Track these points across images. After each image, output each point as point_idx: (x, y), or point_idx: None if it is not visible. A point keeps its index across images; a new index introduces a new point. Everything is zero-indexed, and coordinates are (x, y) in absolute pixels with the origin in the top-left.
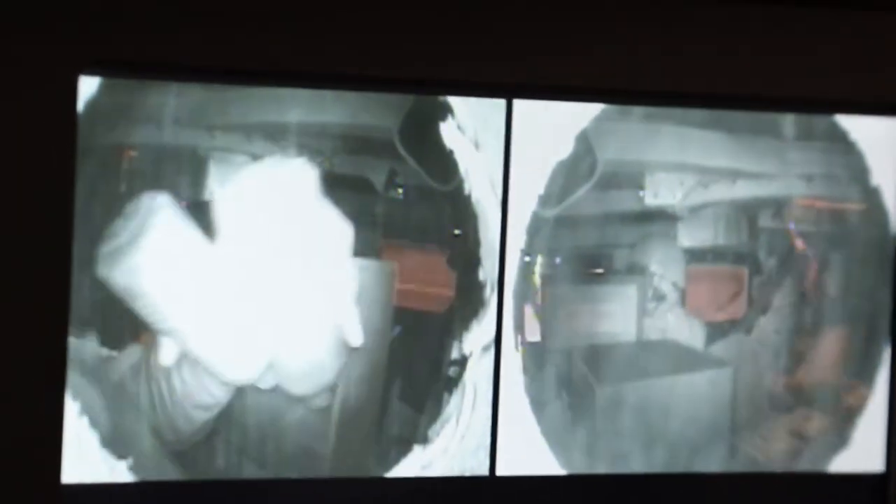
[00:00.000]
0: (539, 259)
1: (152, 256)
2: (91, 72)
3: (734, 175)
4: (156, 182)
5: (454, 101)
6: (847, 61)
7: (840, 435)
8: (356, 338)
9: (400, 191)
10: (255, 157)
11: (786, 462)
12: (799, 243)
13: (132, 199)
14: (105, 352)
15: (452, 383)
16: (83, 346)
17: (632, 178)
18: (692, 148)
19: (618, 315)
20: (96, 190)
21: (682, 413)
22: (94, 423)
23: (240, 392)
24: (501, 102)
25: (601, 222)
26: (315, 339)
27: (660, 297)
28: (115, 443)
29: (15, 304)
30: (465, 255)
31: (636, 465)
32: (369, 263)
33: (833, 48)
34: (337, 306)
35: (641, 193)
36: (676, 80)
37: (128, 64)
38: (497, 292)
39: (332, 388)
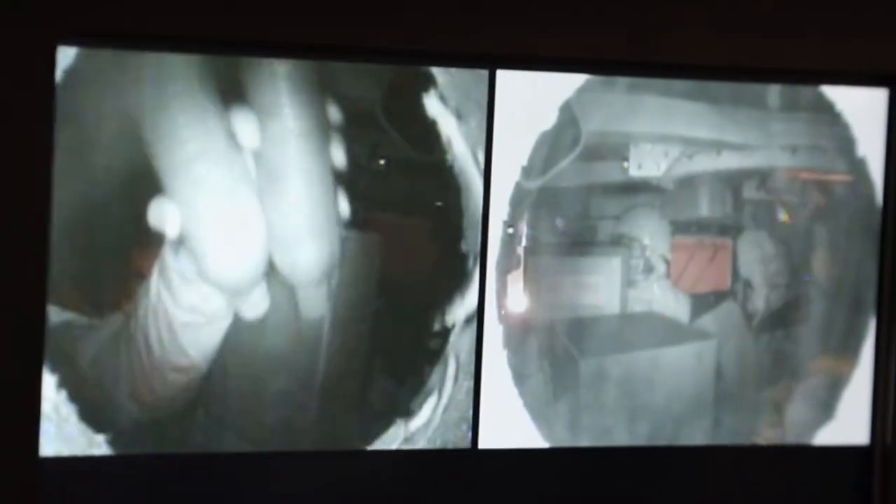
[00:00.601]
0: (522, 230)
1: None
2: (68, 42)
3: (719, 146)
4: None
5: (437, 72)
6: (832, 32)
7: (825, 407)
8: None
9: (382, 162)
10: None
11: (771, 435)
12: (784, 215)
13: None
14: (85, 321)
15: (435, 356)
16: (62, 317)
17: (616, 150)
18: (676, 119)
19: (601, 287)
20: (75, 159)
21: (666, 386)
22: (72, 397)
23: (218, 358)
24: (484, 73)
25: (585, 194)
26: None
27: (649, 269)
28: (94, 416)
29: None
30: (447, 227)
31: (620, 438)
32: (353, 235)
33: (818, 18)
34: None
35: (625, 164)
36: (660, 50)
37: (105, 34)
38: (479, 264)
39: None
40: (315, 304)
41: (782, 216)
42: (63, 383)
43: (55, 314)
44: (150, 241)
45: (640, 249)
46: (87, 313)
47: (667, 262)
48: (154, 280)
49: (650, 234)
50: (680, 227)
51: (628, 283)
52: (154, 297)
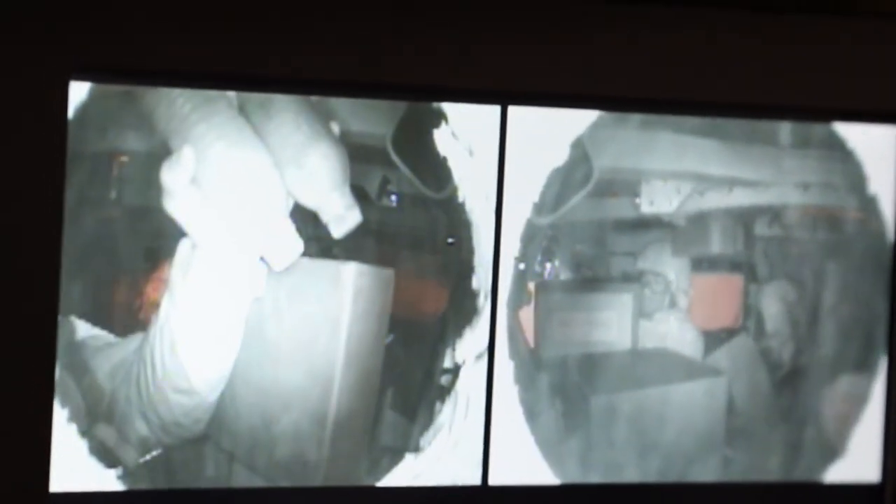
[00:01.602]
0: (533, 267)
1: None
2: (81, 77)
3: (731, 183)
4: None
5: (448, 108)
6: (845, 69)
7: (836, 444)
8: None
9: (393, 198)
10: None
11: (781, 472)
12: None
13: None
14: (96, 348)
15: (445, 392)
16: (74, 341)
17: (627, 186)
18: (688, 156)
19: (613, 323)
20: (85, 196)
21: (676, 422)
22: (82, 431)
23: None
24: (496, 109)
25: (596, 230)
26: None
27: (663, 304)
28: (105, 451)
29: (3, 312)
30: (458, 263)
31: (631, 474)
32: (368, 269)
33: (831, 56)
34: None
35: (637, 201)
36: (672, 87)
37: (118, 70)
38: (491, 300)
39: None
40: (327, 337)
41: (794, 253)
42: (73, 417)
43: (65, 341)
44: (161, 272)
45: (662, 284)
46: (97, 343)
47: (680, 297)
48: (164, 308)
49: (662, 269)
50: (691, 264)
51: (640, 318)
52: (163, 326)
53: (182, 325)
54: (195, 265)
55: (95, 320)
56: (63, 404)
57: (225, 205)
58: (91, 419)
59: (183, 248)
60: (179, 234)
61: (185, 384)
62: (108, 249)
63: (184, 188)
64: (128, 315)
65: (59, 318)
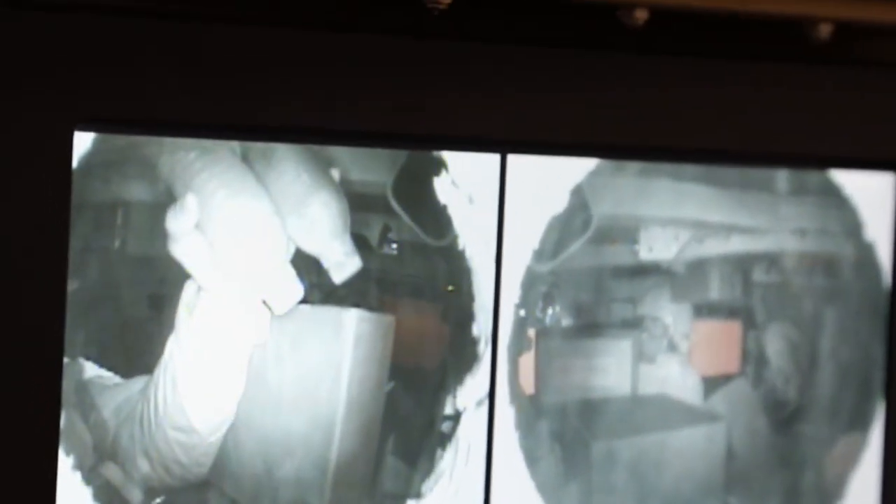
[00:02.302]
0: (534, 314)
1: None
2: (86, 127)
3: (728, 230)
4: (150, 236)
5: (448, 156)
6: (841, 116)
7: (834, 490)
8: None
9: (394, 246)
10: None
11: None
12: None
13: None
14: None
15: (446, 438)
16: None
17: (626, 233)
18: (687, 203)
19: (612, 370)
20: (90, 243)
21: (676, 468)
22: (87, 479)
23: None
24: (496, 157)
25: (596, 276)
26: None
27: (661, 350)
28: (109, 498)
29: (8, 363)
30: (459, 310)
31: None
32: (368, 315)
33: (827, 104)
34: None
35: (636, 248)
36: (670, 135)
37: (122, 120)
38: (491, 347)
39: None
40: (329, 383)
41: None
42: (78, 466)
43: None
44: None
45: (661, 328)
46: (104, 382)
47: (679, 342)
48: (168, 348)
49: (662, 316)
50: (690, 310)
51: (640, 363)
52: (167, 364)
53: (185, 366)
54: (200, 308)
55: (102, 363)
56: (69, 445)
57: (228, 251)
58: (98, 456)
59: (188, 290)
60: (184, 278)
61: (184, 422)
62: (113, 295)
63: (188, 233)
64: (133, 358)
65: (67, 360)
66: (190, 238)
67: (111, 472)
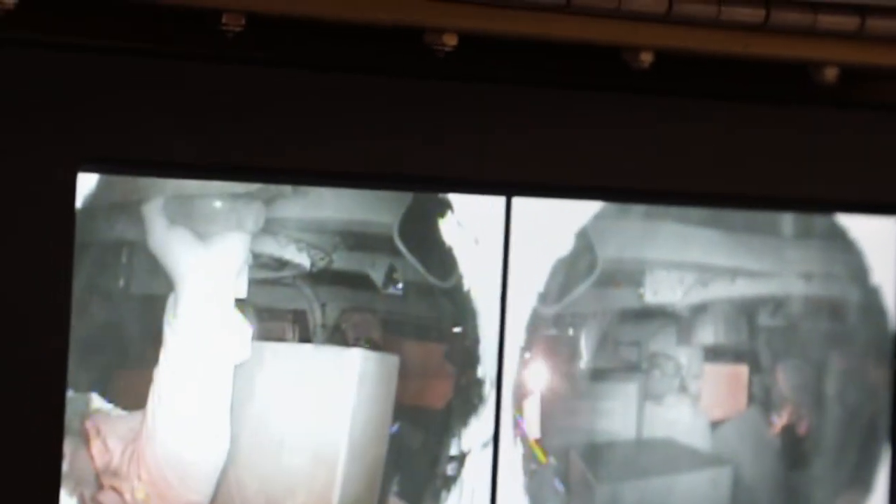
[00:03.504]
0: (538, 356)
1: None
2: (89, 168)
3: (734, 273)
4: (153, 278)
5: (454, 197)
6: (846, 160)
7: None
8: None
9: (399, 286)
10: (255, 255)
11: None
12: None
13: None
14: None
15: (451, 481)
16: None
17: (631, 276)
18: (692, 246)
19: (617, 413)
20: (94, 285)
21: None
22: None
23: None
24: (501, 200)
25: (601, 320)
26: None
27: (682, 389)
28: None
29: (14, 396)
30: (464, 352)
31: None
32: (371, 355)
33: (831, 146)
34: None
35: (641, 291)
36: (675, 177)
37: (126, 161)
38: (496, 389)
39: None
40: (332, 423)
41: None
42: (78, 493)
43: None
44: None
45: (673, 366)
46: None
47: (690, 382)
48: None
49: (668, 359)
50: (695, 354)
51: (648, 403)
52: (158, 386)
53: (171, 382)
54: (181, 315)
55: (107, 397)
56: (71, 471)
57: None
58: (98, 484)
59: (170, 301)
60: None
61: (175, 446)
62: (116, 334)
63: (165, 226)
64: (137, 393)
65: (73, 394)
66: (167, 231)
67: (110, 500)
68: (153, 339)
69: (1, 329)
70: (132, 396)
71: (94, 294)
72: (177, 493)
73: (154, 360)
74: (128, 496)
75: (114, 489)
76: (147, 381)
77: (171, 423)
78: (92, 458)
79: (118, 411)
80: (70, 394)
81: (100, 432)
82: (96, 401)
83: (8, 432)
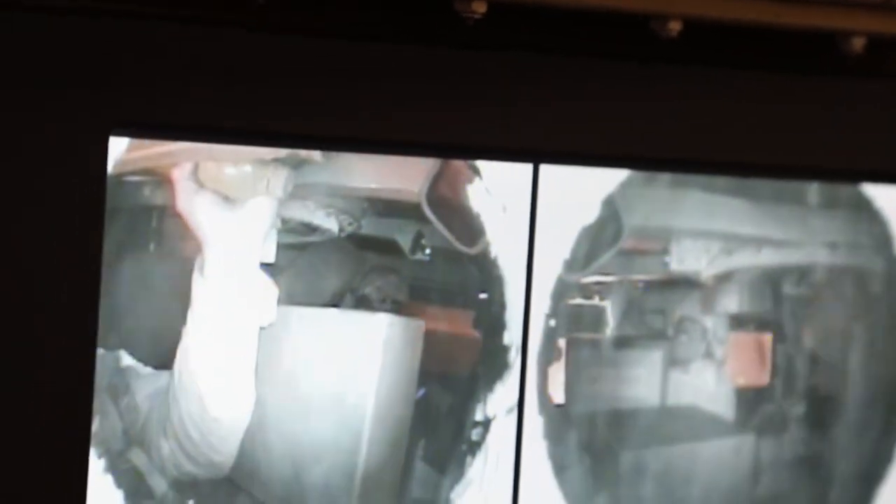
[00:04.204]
0: (563, 323)
1: None
2: (120, 132)
3: (759, 242)
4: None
5: (482, 165)
6: (872, 130)
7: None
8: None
9: (427, 252)
10: (284, 220)
11: None
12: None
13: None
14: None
15: (476, 446)
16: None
17: (657, 244)
18: (718, 215)
19: (642, 380)
20: (124, 248)
21: (704, 480)
22: (118, 482)
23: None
24: (528, 167)
25: (626, 287)
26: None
27: (708, 354)
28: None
29: (40, 374)
30: (490, 318)
31: None
32: (397, 320)
33: (858, 116)
34: None
35: (667, 259)
36: (703, 147)
37: (158, 125)
38: (521, 356)
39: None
40: (357, 388)
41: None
42: (109, 467)
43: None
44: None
45: (699, 331)
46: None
47: (716, 347)
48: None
49: (693, 323)
50: (720, 322)
51: (674, 369)
52: (186, 345)
53: (197, 342)
54: (208, 274)
55: (137, 356)
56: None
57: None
58: (127, 440)
59: (197, 263)
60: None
61: (197, 403)
62: (146, 295)
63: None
64: (166, 352)
65: (104, 351)
66: (195, 194)
67: (138, 457)
68: (181, 301)
69: (34, 290)
70: (160, 355)
71: (124, 256)
72: (201, 453)
73: (182, 320)
74: (154, 454)
75: (140, 447)
76: (175, 341)
77: (196, 383)
78: (120, 415)
79: (147, 369)
80: (100, 352)
81: (129, 389)
82: (126, 359)
83: (40, 390)
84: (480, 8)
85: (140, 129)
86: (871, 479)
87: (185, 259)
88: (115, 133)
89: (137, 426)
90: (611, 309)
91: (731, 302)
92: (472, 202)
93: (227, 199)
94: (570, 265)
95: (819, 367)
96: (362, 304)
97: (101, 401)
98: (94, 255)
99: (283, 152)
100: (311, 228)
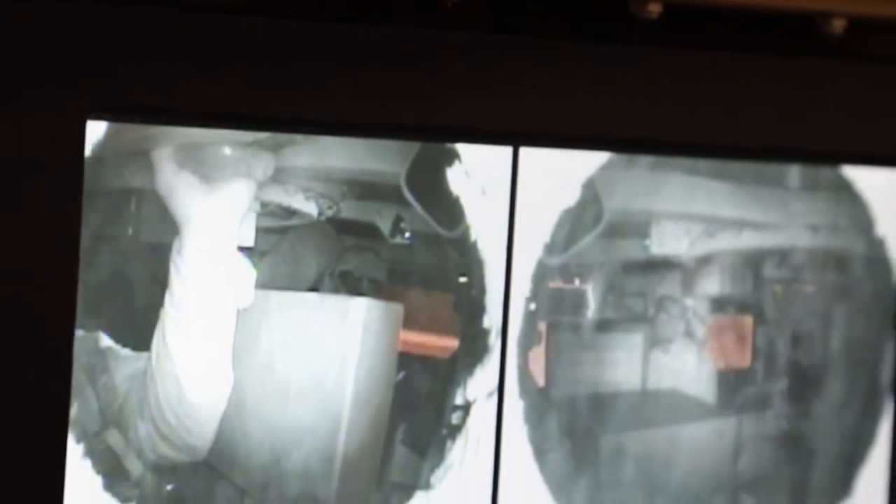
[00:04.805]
0: (543, 307)
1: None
2: (99, 116)
3: (740, 225)
4: (161, 226)
5: (462, 147)
6: (853, 112)
7: (842, 486)
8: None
9: (407, 235)
10: (263, 203)
11: None
12: (804, 294)
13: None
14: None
15: (456, 430)
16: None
17: (638, 227)
18: (698, 197)
19: (622, 363)
20: (102, 234)
21: (685, 463)
22: (97, 467)
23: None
24: (508, 150)
25: (606, 270)
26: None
27: (688, 333)
28: (119, 486)
29: (18, 357)
30: (470, 302)
31: None
32: (376, 304)
33: (839, 98)
34: None
35: (647, 242)
36: (682, 130)
37: (136, 109)
38: (501, 339)
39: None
40: (336, 372)
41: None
42: (88, 453)
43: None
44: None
45: (680, 309)
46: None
47: (696, 327)
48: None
49: (673, 302)
50: (701, 304)
51: (654, 350)
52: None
53: (175, 324)
54: (184, 265)
55: (116, 339)
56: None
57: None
58: (103, 422)
59: (175, 246)
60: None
61: (174, 385)
62: (125, 277)
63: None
64: (144, 333)
65: (83, 333)
66: (174, 175)
67: (114, 439)
68: (160, 283)
69: (12, 273)
70: (139, 337)
71: (103, 239)
72: (178, 436)
73: (160, 302)
74: (131, 436)
75: (117, 428)
76: (153, 323)
77: (173, 366)
78: (97, 396)
79: (125, 351)
80: (79, 333)
81: (107, 370)
82: (104, 340)
83: (18, 370)
84: None
85: (118, 112)
86: (852, 462)
87: (164, 241)
88: (94, 117)
89: (115, 408)
90: (591, 292)
91: (712, 284)
92: (451, 185)
93: (206, 182)
94: (551, 248)
95: (800, 350)
96: (341, 286)
97: (78, 382)
98: (73, 237)
99: (262, 135)
100: (290, 212)
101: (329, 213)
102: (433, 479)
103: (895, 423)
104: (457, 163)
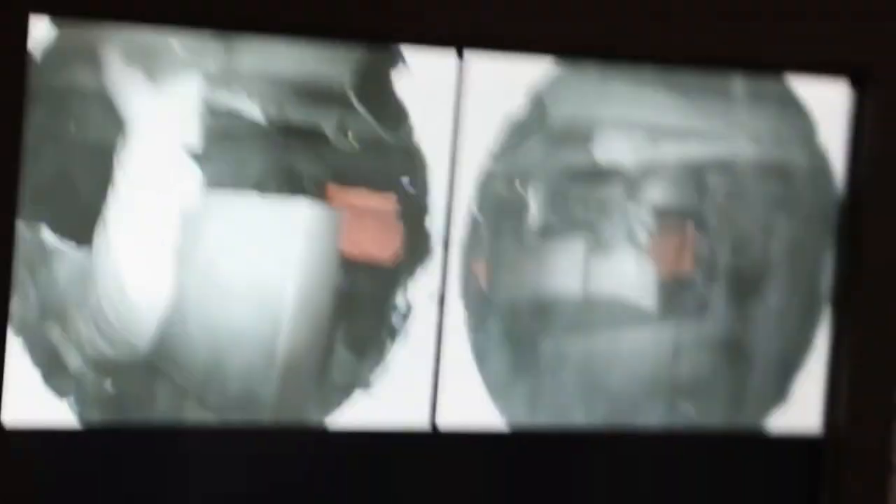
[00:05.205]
0: (486, 213)
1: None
2: (41, 10)
3: (684, 134)
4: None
5: (407, 51)
6: (798, 22)
7: (778, 391)
8: None
9: (350, 138)
10: (209, 106)
11: (725, 418)
12: (746, 203)
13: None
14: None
15: (396, 332)
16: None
17: (582, 135)
18: (643, 107)
19: (564, 270)
20: (47, 131)
21: (624, 368)
22: (36, 361)
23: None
24: (453, 54)
25: (551, 178)
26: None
27: (630, 239)
28: (58, 381)
29: None
30: (413, 206)
31: (577, 417)
32: (318, 206)
33: (784, 8)
34: None
35: (592, 150)
36: (629, 38)
37: (80, 4)
38: (443, 244)
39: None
40: (277, 274)
41: (743, 204)
42: (27, 346)
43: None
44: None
45: (621, 217)
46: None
47: (639, 232)
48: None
49: (617, 217)
50: (643, 210)
51: (597, 254)
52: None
53: (118, 223)
54: (129, 164)
55: (57, 231)
56: (17, 333)
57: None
58: (42, 315)
59: (120, 143)
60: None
61: (114, 280)
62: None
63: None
64: (87, 229)
65: (26, 225)
66: (121, 71)
67: (53, 332)
68: (105, 181)
69: None
70: (82, 232)
71: (48, 136)
72: (118, 335)
73: (105, 200)
74: (70, 331)
75: (57, 322)
76: (97, 220)
77: (115, 265)
78: (37, 289)
79: (68, 245)
80: (21, 225)
81: (47, 264)
82: (46, 234)
83: None
84: None
85: (62, 7)
86: (790, 367)
87: (110, 139)
88: (37, 11)
89: (54, 302)
90: (534, 198)
91: (655, 192)
92: (396, 89)
93: (152, 81)
94: (495, 154)
95: (741, 258)
96: (285, 189)
97: (19, 274)
98: (16, 132)
99: (209, 36)
100: (235, 115)
101: (274, 116)
102: (372, 379)
103: (832, 330)
104: (402, 66)
